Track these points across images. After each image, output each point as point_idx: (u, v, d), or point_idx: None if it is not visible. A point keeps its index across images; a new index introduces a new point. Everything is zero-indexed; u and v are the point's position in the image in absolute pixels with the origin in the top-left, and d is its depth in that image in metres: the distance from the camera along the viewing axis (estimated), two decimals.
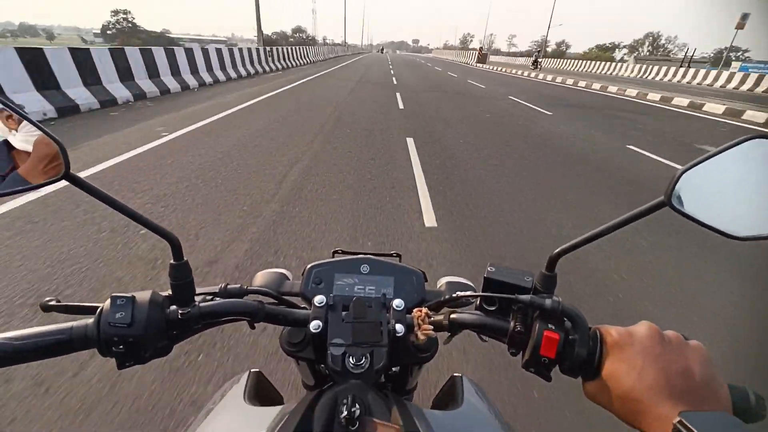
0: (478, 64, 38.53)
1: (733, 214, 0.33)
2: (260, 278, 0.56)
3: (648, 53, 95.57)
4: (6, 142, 0.39)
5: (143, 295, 0.39)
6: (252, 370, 0.57)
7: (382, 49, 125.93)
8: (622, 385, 0.33)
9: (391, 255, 0.57)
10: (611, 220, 0.37)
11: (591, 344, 0.36)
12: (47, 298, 0.41)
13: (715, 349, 1.78)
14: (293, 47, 20.41)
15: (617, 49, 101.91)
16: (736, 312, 2.20)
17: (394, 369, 0.58)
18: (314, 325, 0.44)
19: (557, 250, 0.41)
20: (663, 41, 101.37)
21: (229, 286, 0.46)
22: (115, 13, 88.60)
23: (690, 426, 0.27)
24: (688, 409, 0.29)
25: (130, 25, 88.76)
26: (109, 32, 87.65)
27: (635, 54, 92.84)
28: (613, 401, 0.34)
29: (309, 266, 0.53)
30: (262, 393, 0.54)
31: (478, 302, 0.45)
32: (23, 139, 0.40)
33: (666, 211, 0.34)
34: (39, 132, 0.39)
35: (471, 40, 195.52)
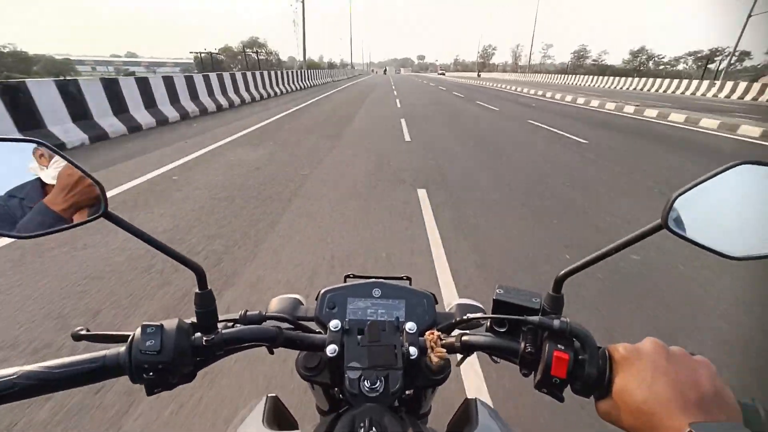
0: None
1: (728, 235, 0.35)
2: (275, 304, 0.58)
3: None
4: (39, 179, 0.42)
5: (171, 323, 0.41)
6: (269, 395, 0.58)
7: (385, 70, 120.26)
8: (634, 400, 0.33)
9: (401, 278, 0.59)
10: (610, 245, 0.39)
11: (600, 363, 0.37)
12: (78, 328, 0.43)
13: None
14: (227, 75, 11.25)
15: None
16: None
17: (407, 392, 0.58)
18: (330, 350, 0.45)
19: (562, 273, 0.42)
20: None
21: (248, 313, 0.48)
22: None
23: None
24: (699, 421, 0.29)
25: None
26: None
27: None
28: (626, 417, 0.34)
29: (322, 291, 0.55)
30: (279, 417, 0.55)
31: (488, 324, 0.47)
32: (52, 174, 0.43)
33: None
34: (64, 164, 0.41)
35: (494, 53, 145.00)
